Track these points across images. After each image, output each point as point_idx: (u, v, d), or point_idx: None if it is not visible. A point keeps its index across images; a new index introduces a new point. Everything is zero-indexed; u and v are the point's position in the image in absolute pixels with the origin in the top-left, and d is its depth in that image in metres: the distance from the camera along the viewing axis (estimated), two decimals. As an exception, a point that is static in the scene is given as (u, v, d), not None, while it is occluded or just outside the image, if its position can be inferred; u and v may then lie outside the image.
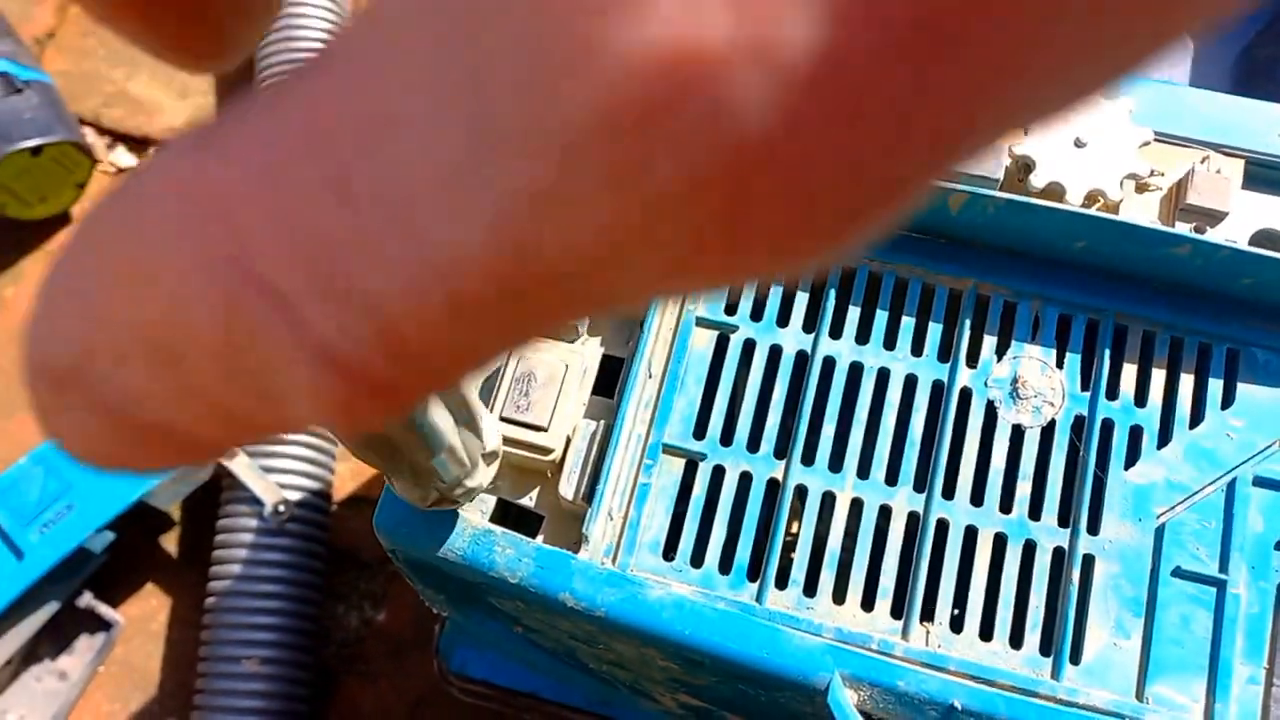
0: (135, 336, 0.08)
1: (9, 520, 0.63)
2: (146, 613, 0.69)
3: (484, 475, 0.33)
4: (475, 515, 0.37)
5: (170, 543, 0.71)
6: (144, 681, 0.68)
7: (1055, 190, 0.39)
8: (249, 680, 0.62)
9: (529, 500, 0.39)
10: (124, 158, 0.81)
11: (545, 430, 0.37)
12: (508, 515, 0.39)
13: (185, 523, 0.71)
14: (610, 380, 0.40)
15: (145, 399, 0.09)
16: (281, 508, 0.65)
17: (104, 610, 0.67)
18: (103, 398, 0.09)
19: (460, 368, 0.08)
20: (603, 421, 0.38)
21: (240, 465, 0.65)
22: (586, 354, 0.39)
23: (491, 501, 0.38)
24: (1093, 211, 0.38)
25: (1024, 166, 0.40)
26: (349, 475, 0.72)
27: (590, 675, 0.46)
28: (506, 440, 0.37)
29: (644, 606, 0.34)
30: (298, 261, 0.08)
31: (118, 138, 0.82)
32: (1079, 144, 0.39)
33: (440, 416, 0.28)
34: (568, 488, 0.37)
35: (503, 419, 0.37)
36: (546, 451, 0.37)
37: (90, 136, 0.80)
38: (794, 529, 0.39)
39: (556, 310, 0.08)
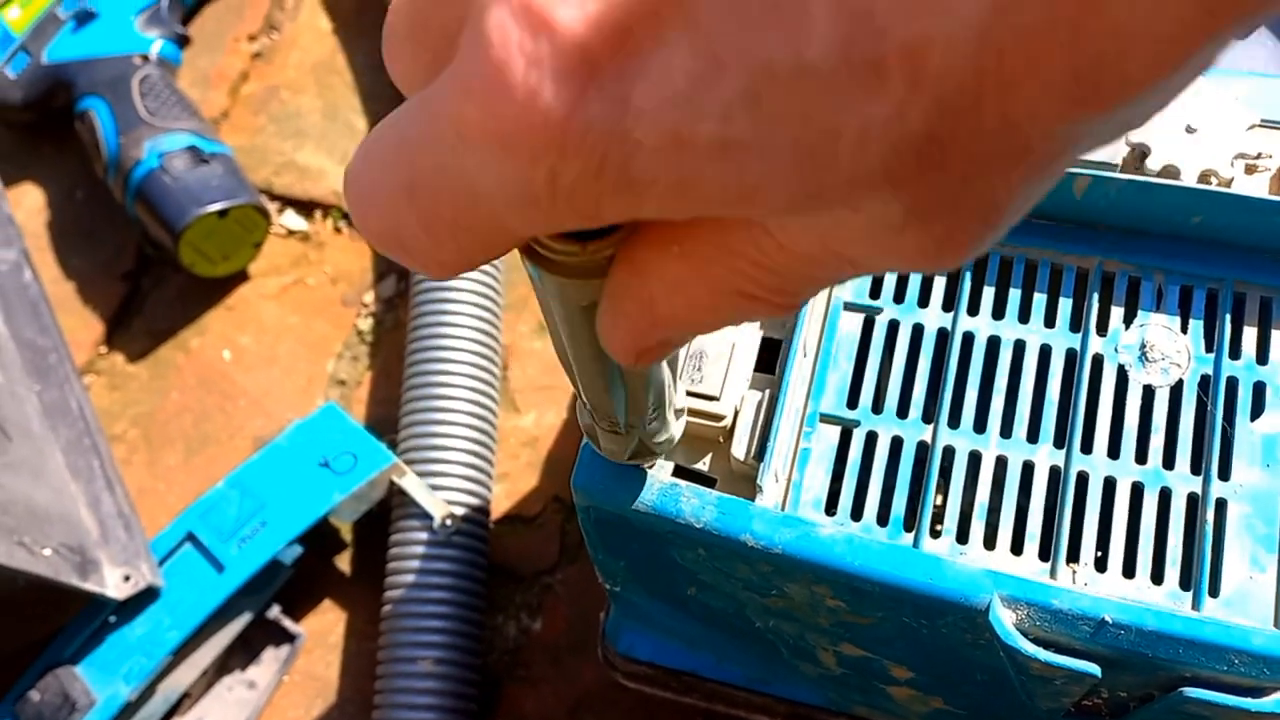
0: None
1: (210, 538, 0.70)
2: (325, 626, 0.75)
3: (677, 428, 0.38)
4: (660, 473, 0.42)
5: (343, 563, 0.77)
6: (325, 690, 0.74)
7: (1171, 171, 0.43)
8: (425, 679, 0.67)
9: (703, 465, 0.43)
10: (293, 220, 0.90)
11: (718, 400, 0.42)
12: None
13: (356, 545, 0.77)
14: (766, 359, 0.45)
15: None
16: (449, 521, 0.70)
17: (288, 624, 0.73)
18: None
19: None
20: (767, 391, 0.43)
21: (411, 483, 0.71)
22: (748, 335, 0.44)
23: (669, 467, 0.43)
24: (1208, 187, 0.42)
25: (1140, 155, 0.44)
26: (503, 496, 0.77)
27: (751, 641, 0.50)
28: (687, 411, 0.42)
29: (817, 542, 0.38)
30: None
31: (287, 202, 0.90)
32: (1190, 130, 0.43)
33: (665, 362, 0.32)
34: (739, 448, 0.42)
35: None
36: (719, 418, 0.42)
37: (263, 202, 0.89)
38: (938, 500, 0.43)
39: None
